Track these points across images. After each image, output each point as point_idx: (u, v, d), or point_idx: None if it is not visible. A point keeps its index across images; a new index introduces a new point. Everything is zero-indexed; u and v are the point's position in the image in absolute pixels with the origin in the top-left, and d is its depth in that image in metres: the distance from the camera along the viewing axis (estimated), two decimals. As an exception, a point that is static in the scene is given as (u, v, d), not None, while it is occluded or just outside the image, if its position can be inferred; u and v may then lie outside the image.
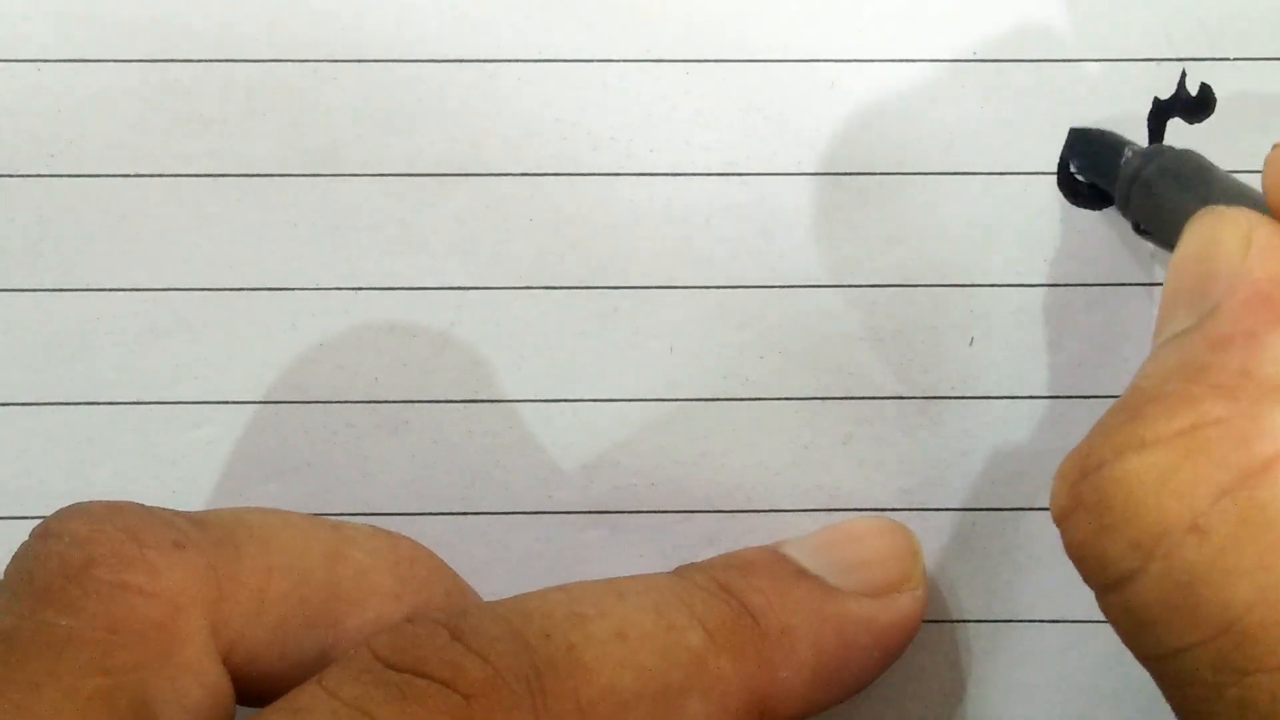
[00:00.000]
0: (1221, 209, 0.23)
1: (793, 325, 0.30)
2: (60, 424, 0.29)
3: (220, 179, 0.30)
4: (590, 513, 0.30)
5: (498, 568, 0.29)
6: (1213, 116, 0.30)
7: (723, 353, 0.30)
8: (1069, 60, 0.30)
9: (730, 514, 0.30)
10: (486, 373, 0.30)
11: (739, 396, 0.30)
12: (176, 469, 0.29)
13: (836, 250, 0.30)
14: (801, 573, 0.27)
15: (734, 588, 0.26)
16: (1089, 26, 0.30)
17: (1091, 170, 0.29)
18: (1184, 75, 0.30)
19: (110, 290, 0.29)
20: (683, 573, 0.26)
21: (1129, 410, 0.22)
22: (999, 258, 0.30)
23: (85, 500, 0.24)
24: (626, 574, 0.29)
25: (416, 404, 0.30)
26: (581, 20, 0.30)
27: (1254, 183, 0.26)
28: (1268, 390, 0.21)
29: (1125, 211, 0.28)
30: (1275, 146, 0.23)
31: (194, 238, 0.30)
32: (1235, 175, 0.26)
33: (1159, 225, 0.26)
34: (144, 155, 0.30)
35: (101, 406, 0.29)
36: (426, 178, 0.30)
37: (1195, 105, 0.30)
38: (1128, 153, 0.28)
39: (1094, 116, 0.30)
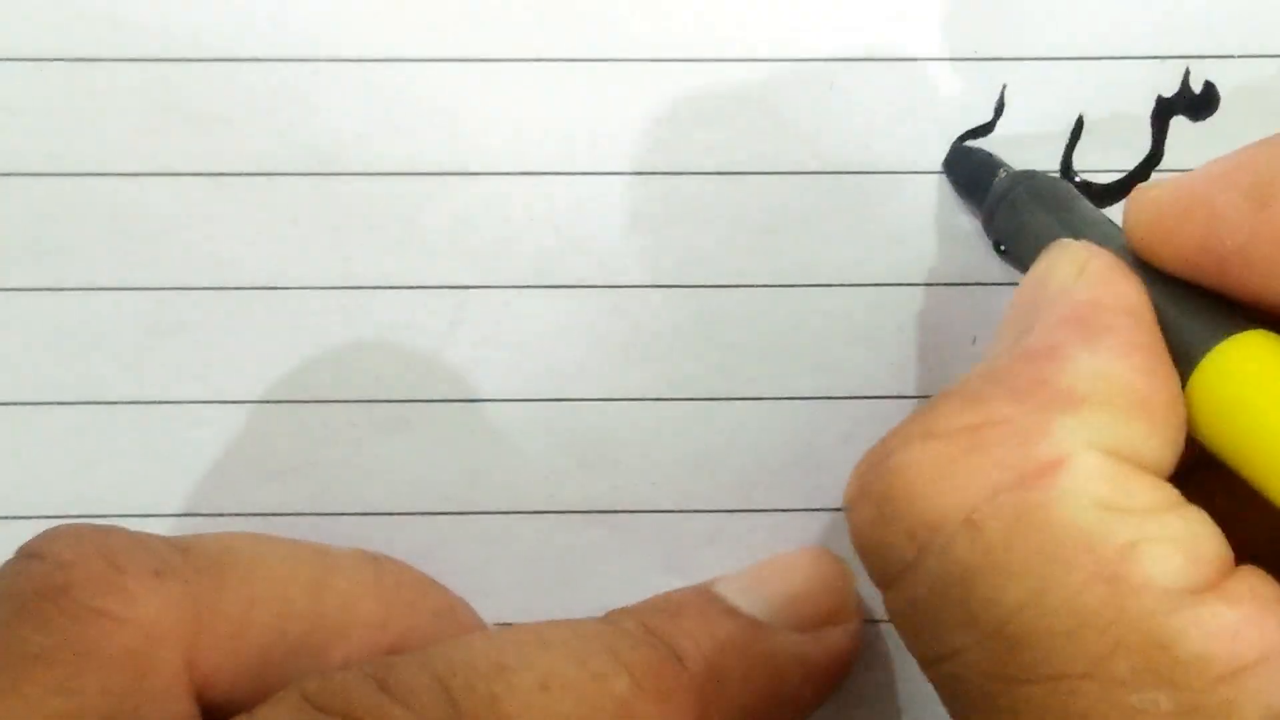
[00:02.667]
0: (1067, 242, 0.24)
1: (792, 325, 0.30)
2: (60, 424, 0.29)
3: (220, 179, 0.30)
4: (590, 512, 0.30)
5: (498, 568, 0.29)
6: (1216, 114, 0.30)
7: (723, 353, 0.30)
8: (1071, 59, 0.30)
9: (730, 514, 0.30)
10: (486, 372, 0.30)
11: (739, 396, 0.30)
12: (176, 469, 0.29)
13: (836, 250, 0.30)
14: (732, 612, 0.27)
15: (662, 631, 0.26)
16: (1091, 25, 0.30)
17: (965, 186, 0.29)
18: (1187, 73, 0.30)
19: (110, 290, 0.29)
20: (611, 618, 0.26)
21: (925, 406, 0.22)
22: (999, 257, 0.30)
23: (75, 517, 0.24)
24: (626, 574, 0.29)
25: (417, 403, 0.30)
26: (581, 20, 0.30)
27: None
28: (1060, 400, 0.21)
29: (989, 229, 0.28)
30: (1138, 188, 0.23)
31: (194, 238, 0.30)
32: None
33: (1018, 246, 0.27)
34: (144, 155, 0.30)
35: (101, 406, 0.29)
36: (426, 177, 0.30)
37: (1198, 103, 0.30)
38: (1001, 173, 0.28)
39: (1096, 115, 0.30)
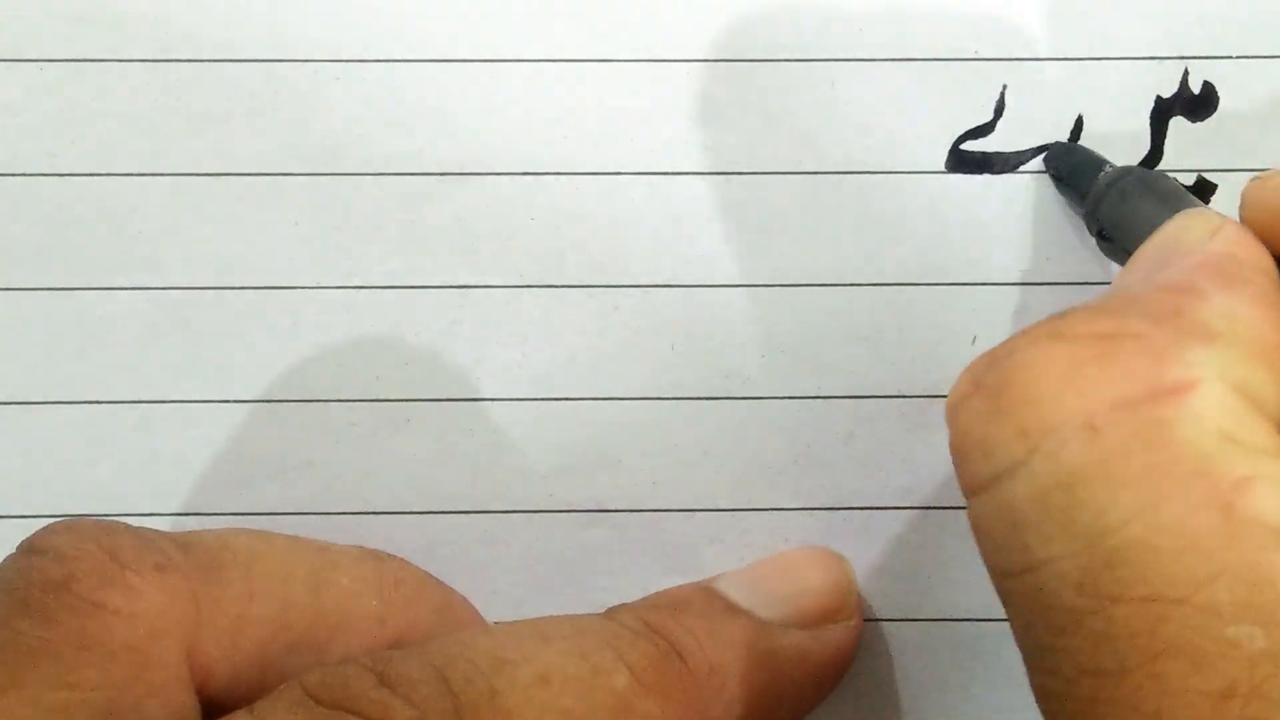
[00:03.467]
0: (1200, 209, 0.24)
1: (793, 325, 0.30)
2: (60, 424, 0.29)
3: (221, 179, 0.30)
4: (590, 512, 0.30)
5: (498, 567, 0.29)
6: (1215, 114, 0.30)
7: (723, 352, 0.30)
8: (1070, 59, 0.30)
9: (730, 513, 0.30)
10: (487, 372, 0.30)
11: (739, 396, 0.30)
12: (176, 469, 0.29)
13: (836, 250, 0.30)
14: (733, 609, 0.27)
15: (663, 628, 0.26)
16: (1090, 25, 0.30)
17: (1069, 183, 0.29)
18: (1186, 73, 0.30)
19: (110, 290, 0.29)
20: (613, 614, 0.26)
21: (1056, 314, 0.22)
22: (1000, 257, 0.30)
23: (75, 516, 0.24)
24: (626, 574, 0.29)
25: (418, 402, 0.30)
26: (581, 20, 0.30)
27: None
28: (1195, 329, 0.21)
29: (1092, 219, 0.28)
30: (1254, 179, 0.23)
31: (194, 238, 0.30)
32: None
33: (1124, 232, 0.27)
34: (144, 155, 0.30)
35: (101, 406, 0.29)
36: (426, 177, 0.30)
37: (1197, 103, 0.30)
38: (1106, 168, 0.28)
39: (1096, 115, 0.30)
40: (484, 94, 0.30)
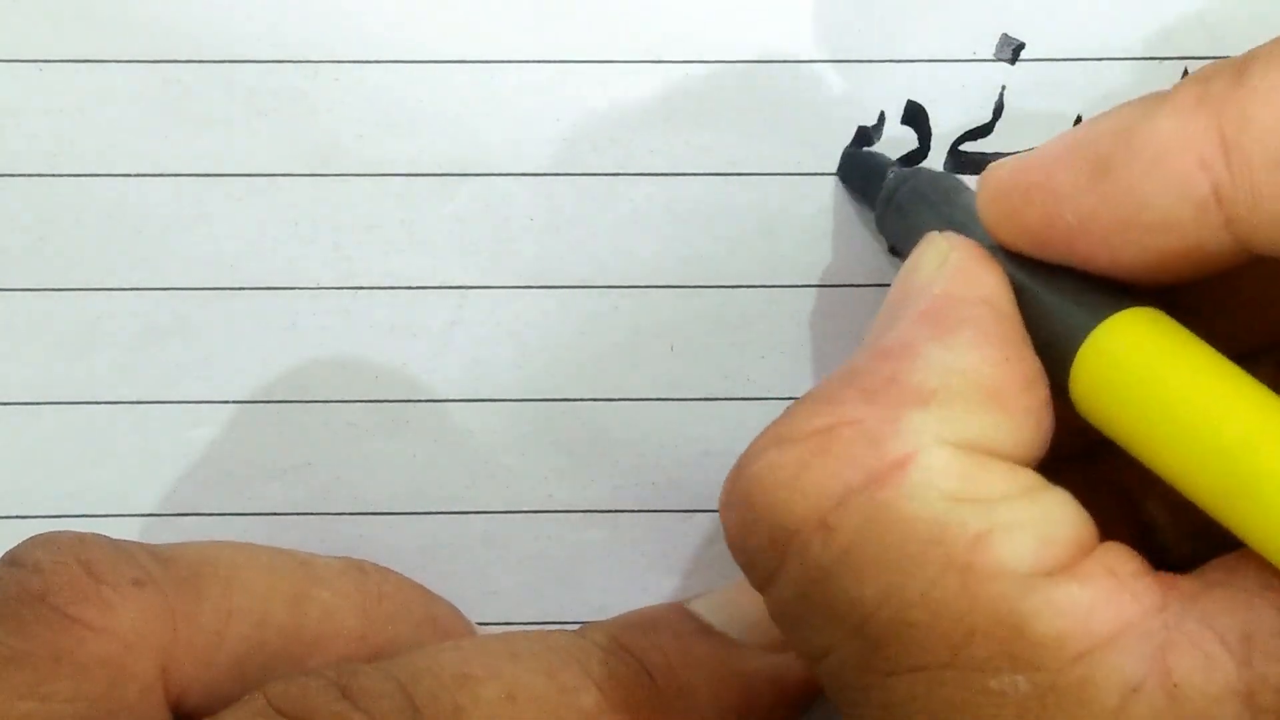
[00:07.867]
0: (933, 235, 0.24)
1: (793, 325, 0.30)
2: (60, 424, 0.29)
3: (220, 179, 0.30)
4: (590, 512, 0.30)
5: (498, 568, 0.30)
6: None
7: (723, 353, 0.30)
8: (1069, 60, 0.30)
9: (730, 514, 0.30)
10: (486, 372, 0.30)
11: (739, 396, 0.30)
12: (176, 469, 0.29)
13: (836, 250, 0.30)
14: (705, 630, 0.27)
15: (633, 647, 0.26)
16: (1090, 26, 0.30)
17: (860, 192, 0.29)
18: (1186, 73, 0.30)
19: (110, 290, 0.30)
20: (584, 631, 0.26)
21: (784, 412, 0.22)
22: (999, 257, 0.30)
23: (74, 516, 0.24)
24: (625, 574, 0.29)
25: (417, 403, 0.30)
26: (581, 20, 0.30)
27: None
28: (909, 397, 0.21)
29: (882, 232, 0.28)
30: (988, 168, 0.23)
31: (194, 238, 0.30)
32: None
33: (906, 247, 0.26)
34: (144, 155, 0.30)
35: (101, 406, 0.29)
36: (426, 178, 0.30)
37: (1197, 104, 0.30)
38: (890, 174, 0.28)
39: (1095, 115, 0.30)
40: (484, 94, 0.30)
